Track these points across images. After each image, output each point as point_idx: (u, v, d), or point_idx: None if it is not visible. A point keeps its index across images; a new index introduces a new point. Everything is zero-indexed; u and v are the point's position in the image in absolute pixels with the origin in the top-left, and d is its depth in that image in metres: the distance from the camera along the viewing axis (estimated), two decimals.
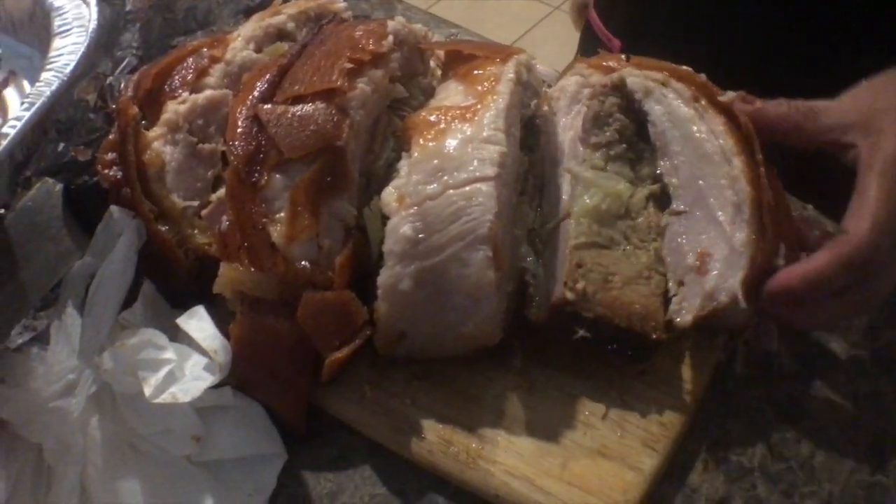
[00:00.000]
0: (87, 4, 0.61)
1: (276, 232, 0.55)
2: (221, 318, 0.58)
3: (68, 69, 0.57)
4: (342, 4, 0.68)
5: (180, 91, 0.60)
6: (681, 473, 0.60)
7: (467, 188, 0.54)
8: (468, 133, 0.56)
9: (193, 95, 0.60)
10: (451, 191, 0.54)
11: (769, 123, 0.60)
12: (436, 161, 0.55)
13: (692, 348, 0.62)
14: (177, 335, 0.58)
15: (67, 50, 0.59)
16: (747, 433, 0.63)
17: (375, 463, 0.59)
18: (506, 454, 0.57)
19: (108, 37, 0.64)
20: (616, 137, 0.62)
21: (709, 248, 0.57)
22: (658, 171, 0.62)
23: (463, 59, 0.62)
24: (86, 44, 0.59)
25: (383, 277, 0.54)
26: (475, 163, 0.55)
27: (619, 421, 0.59)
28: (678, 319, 0.57)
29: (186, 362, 0.56)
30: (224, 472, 0.58)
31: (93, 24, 0.60)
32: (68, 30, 0.60)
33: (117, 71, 0.65)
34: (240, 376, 0.57)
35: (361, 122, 0.57)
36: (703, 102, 0.60)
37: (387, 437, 0.58)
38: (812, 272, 0.55)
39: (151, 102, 0.60)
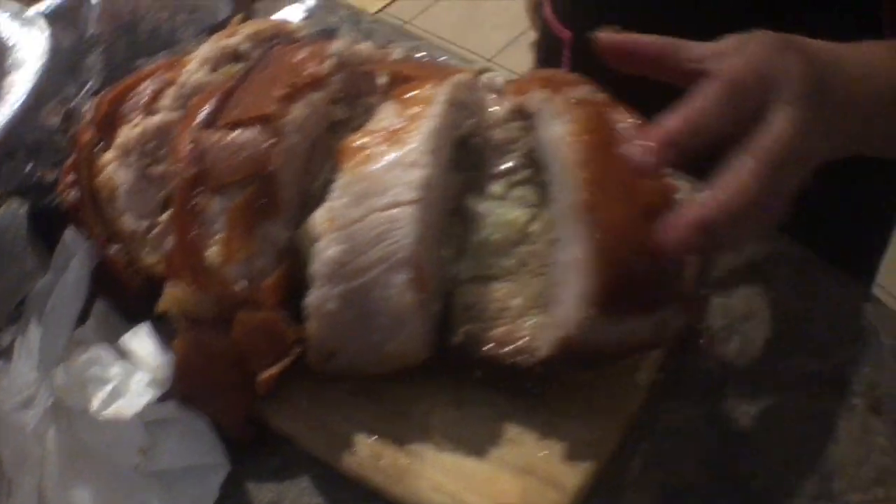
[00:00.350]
0: (41, 36, 0.64)
1: (214, 253, 0.57)
2: (169, 335, 0.60)
3: (19, 103, 0.61)
4: (297, 25, 0.70)
5: (134, 115, 0.63)
6: (611, 493, 0.60)
7: (390, 212, 0.55)
8: (394, 157, 0.57)
9: (146, 119, 0.63)
10: (376, 214, 0.55)
11: (633, 52, 0.58)
12: (363, 184, 0.56)
13: (628, 366, 0.63)
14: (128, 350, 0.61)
15: (20, 81, 0.62)
16: (683, 453, 0.62)
17: (315, 474, 0.61)
18: (432, 470, 0.58)
19: (72, 61, 0.67)
20: (520, 163, 0.62)
21: (574, 279, 0.55)
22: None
23: (402, 80, 0.63)
24: (36, 77, 0.62)
25: (311, 298, 0.56)
26: (398, 187, 0.56)
27: (546, 439, 0.59)
28: (535, 353, 0.56)
29: (131, 378, 0.59)
30: (170, 481, 0.60)
31: (45, 57, 0.62)
32: (23, 63, 0.63)
33: (81, 94, 0.68)
34: (183, 390, 0.60)
35: (296, 146, 0.59)
36: (563, 120, 0.58)
37: (322, 451, 0.60)
38: (691, 108, 0.52)
39: (108, 126, 0.63)
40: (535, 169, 0.62)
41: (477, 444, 0.59)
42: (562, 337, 0.55)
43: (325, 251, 0.56)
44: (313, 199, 0.60)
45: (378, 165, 0.57)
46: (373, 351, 0.58)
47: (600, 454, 0.60)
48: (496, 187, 0.62)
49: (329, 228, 0.56)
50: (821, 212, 0.78)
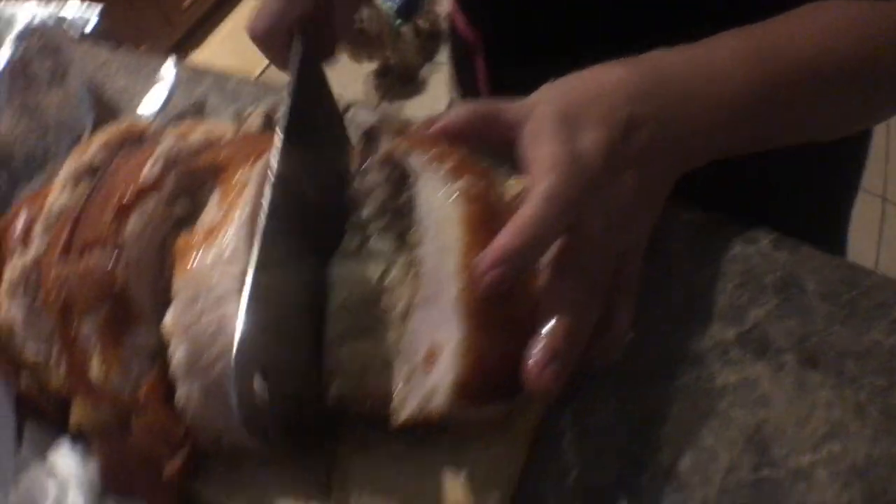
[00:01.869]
0: None
1: (95, 370, 0.61)
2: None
3: None
4: (146, 122, 0.72)
5: (13, 252, 0.67)
6: (533, 500, 0.61)
7: (218, 311, 0.58)
8: (214, 254, 0.59)
9: (23, 256, 0.67)
10: (206, 316, 0.58)
11: (456, 133, 0.61)
12: (192, 285, 0.59)
13: None
14: None
15: None
16: (601, 451, 0.62)
17: None
18: None
19: None
20: (377, 212, 0.62)
21: (438, 343, 0.56)
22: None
23: (223, 167, 0.64)
24: None
25: (177, 397, 0.60)
26: (220, 286, 0.58)
27: (455, 465, 0.60)
28: (394, 417, 0.57)
29: (69, 492, 0.64)
30: None
31: None
32: None
33: None
34: (115, 489, 0.65)
35: (139, 257, 0.62)
36: (453, 184, 0.58)
37: None
38: (521, 218, 0.53)
39: None
40: (392, 216, 0.62)
41: (391, 484, 0.61)
42: (423, 412, 0.56)
43: (174, 354, 0.59)
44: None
45: (202, 265, 0.59)
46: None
47: (508, 477, 0.61)
48: (351, 242, 0.62)
49: (174, 332, 0.58)
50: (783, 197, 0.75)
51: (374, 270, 0.61)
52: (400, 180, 0.62)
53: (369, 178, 0.63)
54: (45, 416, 0.67)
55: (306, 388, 0.61)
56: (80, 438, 0.66)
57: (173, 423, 0.61)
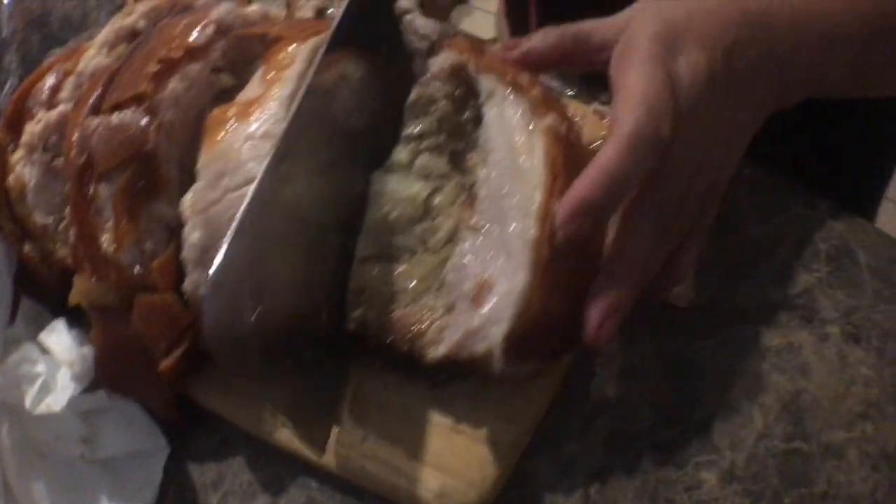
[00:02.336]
0: None
1: (106, 241, 0.57)
2: (89, 326, 0.61)
3: None
4: None
5: (37, 111, 0.63)
6: (555, 444, 0.56)
7: (243, 189, 0.53)
8: (248, 130, 0.54)
9: (47, 113, 0.62)
10: (230, 194, 0.53)
11: (542, 58, 0.56)
12: (219, 163, 0.54)
13: None
14: None
15: None
16: (630, 397, 0.57)
17: (253, 450, 0.60)
18: (361, 437, 0.56)
19: None
20: (434, 127, 0.57)
21: (493, 278, 0.50)
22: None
23: (273, 42, 0.59)
24: None
25: (186, 284, 0.55)
26: (250, 163, 0.53)
27: (473, 393, 0.56)
28: (430, 351, 0.52)
29: (57, 373, 0.60)
30: (117, 468, 0.61)
31: None
32: None
33: (2, 95, 0.68)
34: (108, 379, 0.60)
35: (174, 122, 0.57)
36: (535, 119, 0.53)
37: (252, 426, 0.59)
38: (599, 167, 0.47)
39: (15, 125, 0.63)
40: (448, 135, 0.57)
41: (403, 408, 0.57)
42: (465, 351, 0.51)
43: (189, 236, 0.54)
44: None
45: (233, 141, 0.54)
46: None
47: (537, 405, 0.56)
48: (401, 154, 0.57)
49: (192, 212, 0.54)
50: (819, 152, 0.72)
51: (421, 189, 0.56)
52: (464, 98, 0.57)
53: (430, 91, 0.58)
54: (44, 290, 0.63)
55: (324, 309, 0.56)
56: (78, 320, 0.61)
57: (179, 310, 0.56)
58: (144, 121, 0.56)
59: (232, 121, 0.55)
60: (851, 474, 0.54)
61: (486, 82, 0.56)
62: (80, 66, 0.64)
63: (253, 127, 0.55)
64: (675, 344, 0.59)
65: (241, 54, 0.61)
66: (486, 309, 0.50)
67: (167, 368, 0.56)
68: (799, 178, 0.64)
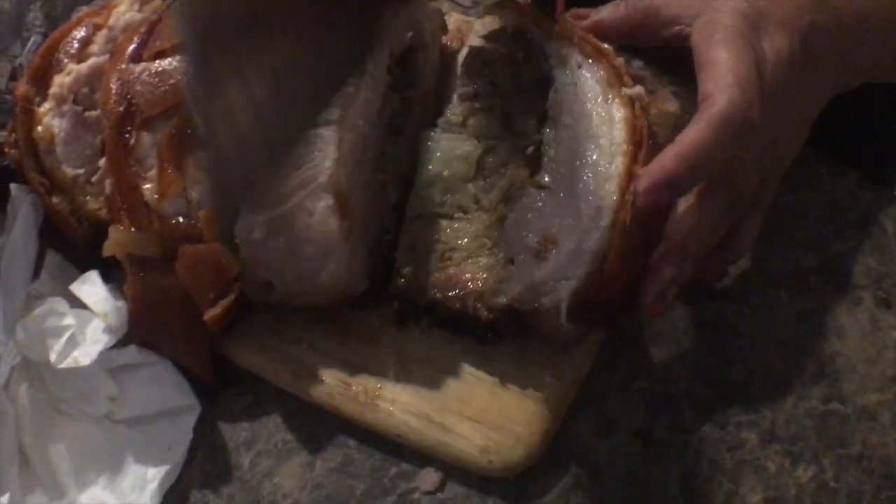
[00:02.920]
0: None
1: (149, 190, 0.55)
2: (122, 280, 0.59)
3: None
4: None
5: (66, 63, 0.61)
6: (596, 403, 0.57)
7: (309, 133, 0.52)
8: None
9: (77, 66, 0.61)
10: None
11: (610, 30, 0.57)
12: None
13: None
14: None
15: None
16: (671, 358, 0.58)
17: (287, 409, 0.59)
18: (404, 392, 0.56)
19: (15, 18, 0.66)
20: (489, 88, 0.57)
21: (558, 234, 0.51)
22: (538, 135, 0.56)
23: None
24: None
25: (238, 226, 0.54)
26: None
27: (519, 351, 0.56)
28: (489, 302, 0.52)
29: (87, 326, 0.58)
30: (143, 427, 0.60)
31: None
32: None
33: (25, 51, 0.67)
34: (141, 334, 0.58)
35: None
36: (613, 88, 0.53)
37: (289, 384, 0.58)
38: (689, 144, 0.48)
39: (42, 78, 0.62)
40: (501, 98, 0.58)
41: (448, 363, 0.57)
42: (530, 306, 0.51)
43: None
44: None
45: None
46: (307, 280, 0.55)
47: (581, 362, 0.56)
48: (454, 114, 0.58)
49: None
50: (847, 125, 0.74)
51: (474, 149, 0.56)
52: (523, 61, 0.58)
53: (486, 52, 0.58)
54: (73, 243, 0.61)
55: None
56: (110, 272, 0.60)
57: (227, 259, 0.55)
58: None
59: None
60: (885, 436, 0.56)
61: (557, 48, 0.56)
62: (112, 21, 0.63)
63: None
64: (711, 308, 0.60)
65: None
66: (550, 264, 0.51)
67: (214, 317, 0.55)
68: (827, 149, 0.66)
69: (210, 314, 0.55)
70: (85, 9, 0.66)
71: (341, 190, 0.53)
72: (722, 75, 0.49)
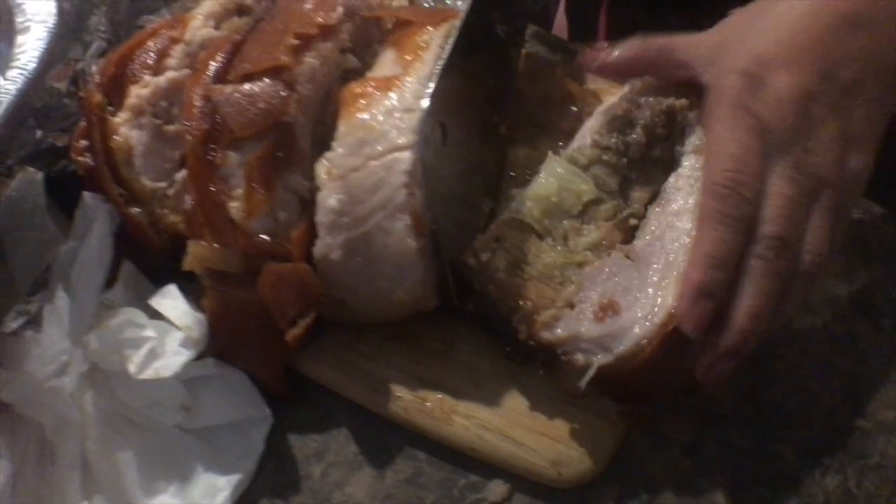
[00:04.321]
0: None
1: (235, 208, 0.57)
2: (197, 293, 0.60)
3: (31, 66, 0.59)
4: None
5: (142, 75, 0.62)
6: (651, 420, 0.61)
7: (386, 158, 0.55)
8: (389, 103, 0.56)
9: (155, 78, 0.62)
10: (372, 162, 0.55)
11: (625, 65, 0.58)
12: (359, 133, 0.56)
13: None
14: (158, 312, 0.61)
15: (30, 45, 0.61)
16: None
17: (358, 422, 0.61)
18: (478, 408, 0.59)
19: (77, 22, 0.66)
20: (621, 147, 0.58)
21: (624, 305, 0.53)
22: (645, 209, 0.58)
23: (401, 25, 0.62)
24: (46, 39, 0.61)
25: (317, 248, 0.56)
26: (393, 132, 0.55)
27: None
28: (535, 329, 0.55)
29: (167, 338, 0.59)
30: (214, 437, 0.61)
31: (53, 20, 0.61)
32: (29, 25, 0.62)
33: (87, 55, 0.67)
34: (218, 347, 0.60)
35: (310, 97, 0.58)
36: None
37: (364, 398, 0.60)
38: (699, 254, 0.50)
39: (116, 88, 0.62)
40: (628, 162, 0.59)
41: (519, 379, 0.60)
42: (566, 352, 0.54)
43: (326, 201, 0.56)
44: (329, 148, 0.59)
45: (374, 113, 0.56)
46: (381, 298, 0.58)
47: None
48: (582, 155, 0.59)
49: (328, 178, 0.56)
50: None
51: (588, 191, 0.58)
52: (663, 137, 0.58)
53: (635, 115, 0.59)
54: (149, 255, 0.62)
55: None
56: (184, 285, 0.61)
57: (312, 279, 0.57)
58: (283, 92, 0.57)
59: (372, 95, 0.57)
60: None
61: (696, 138, 0.58)
62: (188, 36, 0.63)
63: (395, 101, 0.57)
64: None
65: (362, 37, 0.62)
66: (602, 328, 0.53)
67: (295, 337, 0.56)
68: None
69: (291, 334, 0.57)
70: (151, 18, 0.66)
71: (418, 210, 0.56)
72: (715, 154, 0.52)
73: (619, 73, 0.60)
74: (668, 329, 0.51)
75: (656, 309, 0.52)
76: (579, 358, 0.54)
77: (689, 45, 0.57)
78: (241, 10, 0.65)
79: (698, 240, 0.51)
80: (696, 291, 0.49)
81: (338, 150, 0.56)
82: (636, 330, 0.52)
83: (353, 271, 0.57)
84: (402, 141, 0.55)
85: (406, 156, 0.55)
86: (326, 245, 0.56)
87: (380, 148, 0.56)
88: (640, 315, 0.53)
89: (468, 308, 0.60)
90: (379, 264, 0.57)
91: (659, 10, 0.65)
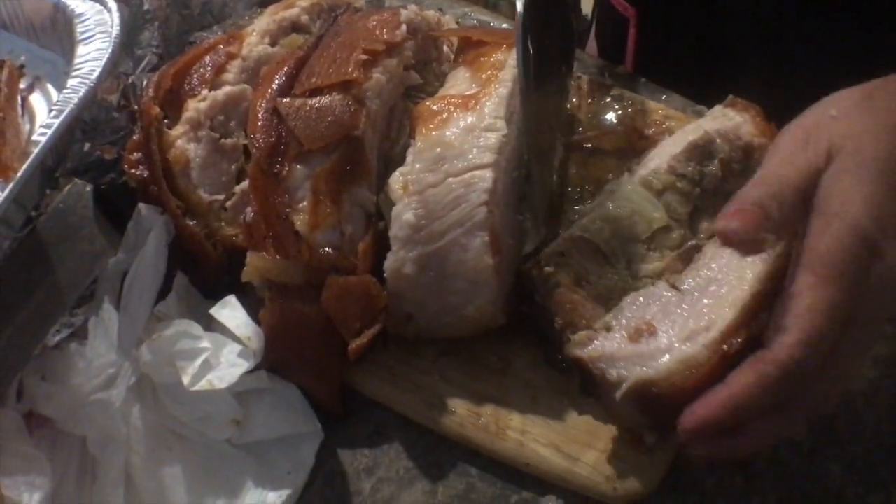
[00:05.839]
0: (109, 10, 0.63)
1: (300, 220, 0.57)
2: (252, 306, 0.60)
3: (94, 76, 0.59)
4: None
5: (199, 89, 0.62)
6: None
7: (466, 175, 0.56)
8: (469, 122, 0.58)
9: (213, 93, 0.62)
10: (451, 178, 0.56)
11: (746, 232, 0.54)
12: (438, 149, 0.57)
13: None
14: (210, 324, 0.60)
15: (92, 56, 0.60)
16: None
17: (409, 437, 0.61)
18: (533, 424, 0.59)
19: (128, 36, 0.66)
20: (696, 177, 0.59)
21: (657, 331, 0.53)
22: (707, 241, 0.58)
23: (472, 45, 0.63)
24: (110, 50, 0.60)
25: (389, 262, 0.57)
26: (474, 151, 0.56)
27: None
28: (570, 345, 0.55)
29: (222, 350, 0.59)
30: (263, 452, 0.60)
31: (115, 31, 0.61)
32: (91, 36, 0.62)
33: (138, 70, 0.67)
34: (273, 360, 0.59)
35: (377, 111, 0.59)
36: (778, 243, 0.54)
37: (418, 413, 0.61)
38: (733, 398, 0.49)
39: (172, 101, 0.62)
40: (701, 192, 0.59)
41: (575, 396, 0.60)
42: (599, 370, 0.54)
43: (402, 215, 0.56)
44: (393, 163, 0.60)
45: (454, 130, 0.57)
46: (450, 314, 0.58)
47: None
48: (657, 179, 0.59)
49: (405, 193, 0.56)
50: None
51: (659, 218, 0.58)
52: (739, 171, 0.59)
53: (713, 146, 0.59)
54: (204, 268, 0.61)
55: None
56: (242, 300, 0.60)
57: (377, 292, 0.57)
58: (353, 107, 0.57)
59: (451, 112, 0.58)
60: None
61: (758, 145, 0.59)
62: (245, 52, 0.64)
63: (474, 119, 0.58)
64: None
65: (424, 55, 0.64)
66: (636, 347, 0.53)
67: (358, 348, 0.57)
68: None
69: (355, 344, 0.57)
70: (204, 35, 0.67)
71: (495, 227, 0.56)
72: (790, 322, 0.48)
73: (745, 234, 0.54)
74: (698, 367, 0.51)
75: (693, 342, 0.52)
76: (612, 374, 0.53)
77: (801, 184, 0.52)
78: (297, 28, 0.66)
79: (734, 383, 0.49)
80: (707, 421, 0.49)
81: (415, 165, 0.57)
82: (666, 359, 0.52)
83: (424, 286, 0.57)
84: (482, 160, 0.56)
85: (487, 174, 0.56)
86: (400, 259, 0.57)
87: (459, 165, 0.56)
88: (675, 345, 0.52)
89: (521, 310, 0.61)
90: (452, 280, 0.57)
91: (685, 30, 0.66)
